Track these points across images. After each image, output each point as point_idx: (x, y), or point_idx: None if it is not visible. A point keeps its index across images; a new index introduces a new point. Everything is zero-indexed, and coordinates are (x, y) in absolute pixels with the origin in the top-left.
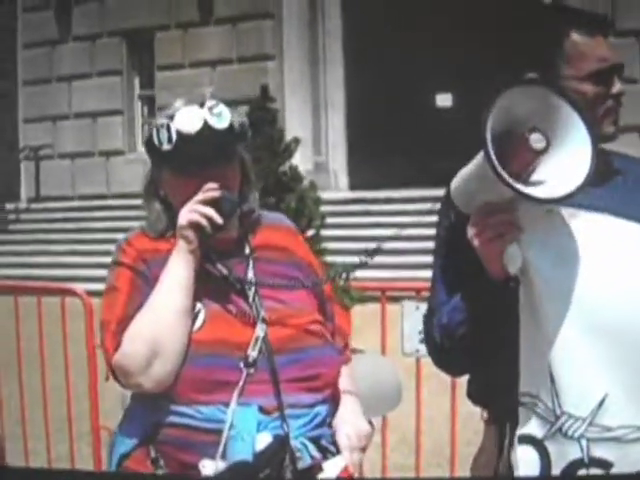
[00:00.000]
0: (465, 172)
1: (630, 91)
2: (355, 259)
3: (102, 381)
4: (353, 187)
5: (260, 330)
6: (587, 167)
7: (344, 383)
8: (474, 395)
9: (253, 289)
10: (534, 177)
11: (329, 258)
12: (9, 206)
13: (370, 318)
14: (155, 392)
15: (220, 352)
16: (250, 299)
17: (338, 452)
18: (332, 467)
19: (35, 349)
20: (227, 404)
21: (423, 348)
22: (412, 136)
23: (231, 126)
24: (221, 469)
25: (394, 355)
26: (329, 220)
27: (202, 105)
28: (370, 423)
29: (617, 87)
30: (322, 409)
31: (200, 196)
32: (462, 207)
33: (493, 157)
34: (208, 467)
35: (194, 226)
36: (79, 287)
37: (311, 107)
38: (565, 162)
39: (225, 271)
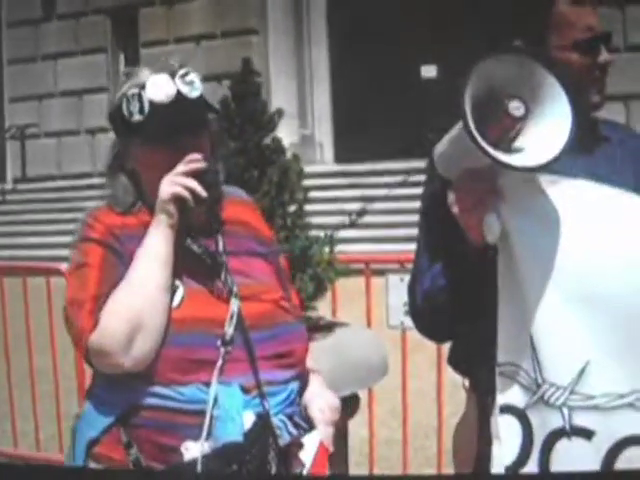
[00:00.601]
0: (447, 139)
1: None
2: (340, 233)
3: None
4: (339, 160)
5: (234, 306)
6: (566, 136)
7: (308, 359)
8: (455, 362)
9: (225, 264)
10: (514, 145)
11: (314, 232)
12: None
13: (355, 291)
14: (133, 372)
15: (199, 330)
16: (222, 275)
17: (310, 427)
18: (311, 442)
19: (22, 330)
20: (207, 384)
21: (408, 320)
22: (397, 108)
23: (202, 95)
24: (208, 451)
25: (379, 328)
26: (315, 194)
27: (174, 74)
28: (357, 396)
29: (604, 56)
30: (295, 385)
31: (182, 168)
32: (444, 173)
33: (471, 125)
34: (192, 449)
35: (176, 199)
36: (64, 266)
37: (296, 81)
38: (544, 130)
39: (196, 246)
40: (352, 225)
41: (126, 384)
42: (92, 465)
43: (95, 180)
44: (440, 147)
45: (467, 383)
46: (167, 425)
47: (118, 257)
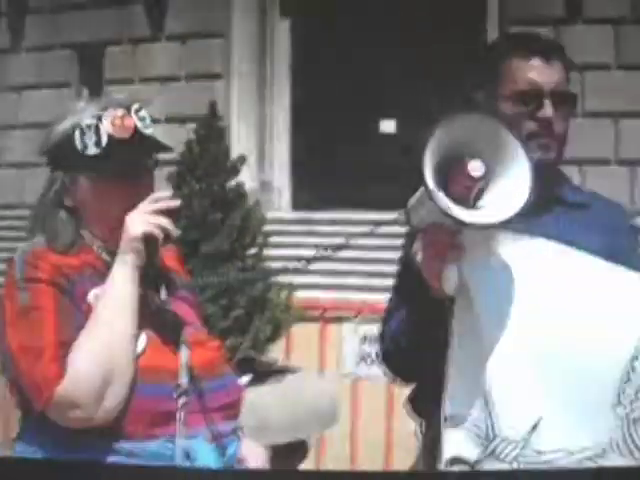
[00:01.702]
0: (417, 193)
1: None
2: (297, 279)
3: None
4: (297, 207)
5: (184, 355)
6: (525, 195)
7: None
8: (411, 403)
9: (169, 311)
10: (479, 203)
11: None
12: None
13: (310, 337)
14: (98, 427)
15: (161, 380)
16: (168, 322)
17: None
18: None
19: None
20: (172, 437)
21: (361, 369)
22: (355, 160)
23: (153, 132)
24: None
25: (332, 375)
26: (272, 239)
27: (129, 108)
28: (305, 442)
29: (545, 112)
30: (237, 436)
31: (152, 205)
32: (415, 224)
33: (430, 185)
34: None
35: (148, 238)
36: None
37: (258, 127)
38: (504, 188)
39: (142, 292)
40: (307, 267)
41: (83, 439)
42: None
43: None
44: (411, 201)
45: (421, 429)
46: None
47: (70, 299)
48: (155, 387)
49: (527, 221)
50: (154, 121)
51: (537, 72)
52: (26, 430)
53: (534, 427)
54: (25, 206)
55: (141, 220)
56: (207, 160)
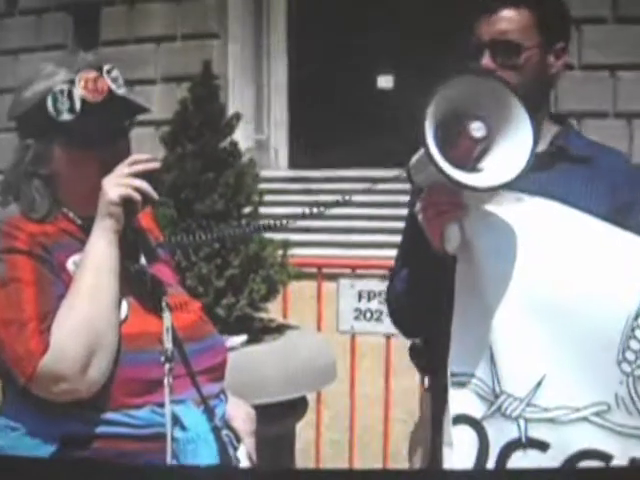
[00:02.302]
0: (418, 153)
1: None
2: (293, 237)
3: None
4: (293, 166)
5: (167, 319)
6: (527, 155)
7: None
8: (416, 357)
9: (148, 274)
10: (479, 165)
11: (267, 235)
12: None
13: (306, 295)
14: (85, 398)
15: (145, 347)
16: (148, 285)
17: (237, 439)
18: (243, 456)
19: None
20: (161, 404)
21: (358, 325)
22: (353, 117)
23: (126, 92)
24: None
25: (329, 332)
26: (269, 198)
27: (101, 69)
28: (304, 399)
29: (484, 61)
30: (224, 398)
31: (129, 168)
32: (417, 183)
33: (431, 149)
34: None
35: (126, 202)
36: None
37: (254, 86)
38: (506, 150)
39: (121, 257)
40: (302, 216)
41: (68, 410)
42: None
43: None
44: (413, 159)
45: (427, 382)
46: (123, 454)
47: (50, 269)
48: (140, 354)
49: (530, 178)
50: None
51: (481, 23)
52: (9, 403)
53: (539, 383)
54: None
55: (118, 183)
56: (201, 119)
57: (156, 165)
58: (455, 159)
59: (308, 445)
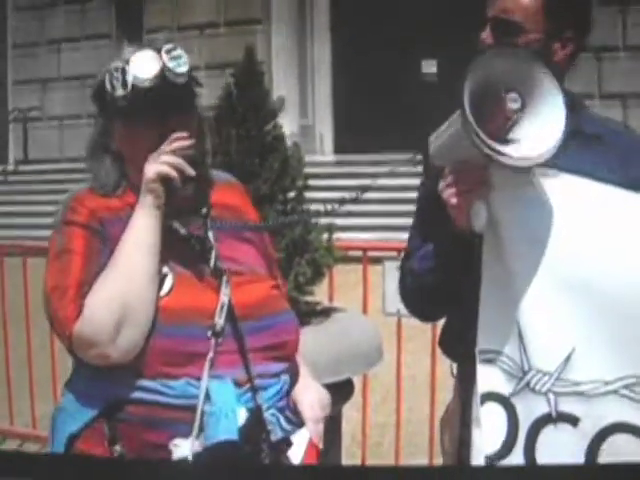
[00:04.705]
0: (443, 129)
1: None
2: (338, 221)
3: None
4: (338, 150)
5: (224, 296)
6: (560, 130)
7: (298, 351)
8: (444, 345)
9: (214, 250)
10: (508, 137)
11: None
12: None
13: (352, 278)
14: (119, 364)
15: (189, 321)
16: (211, 261)
17: (300, 422)
18: (300, 440)
19: (21, 309)
20: (198, 378)
21: (404, 308)
22: (397, 101)
23: (190, 71)
24: (199, 448)
25: (375, 315)
26: (314, 182)
27: (159, 49)
28: (351, 382)
29: (483, 36)
30: (287, 378)
31: (168, 146)
32: (438, 162)
33: (470, 119)
34: (182, 447)
35: (163, 178)
36: None
37: (298, 71)
38: (539, 124)
39: (184, 230)
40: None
41: (111, 376)
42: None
43: None
44: (435, 137)
45: (455, 368)
46: (154, 421)
47: (102, 242)
48: (183, 328)
49: (555, 155)
50: (194, 69)
51: (492, 2)
52: (73, 370)
53: (568, 358)
54: (65, 159)
55: (155, 161)
56: (245, 104)
57: (187, 143)
58: (489, 131)
59: (354, 427)
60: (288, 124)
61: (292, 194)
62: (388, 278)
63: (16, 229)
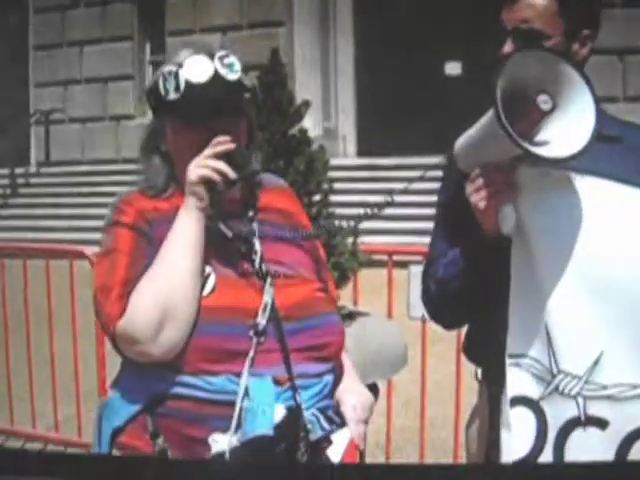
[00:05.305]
0: (469, 132)
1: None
2: (362, 224)
3: (109, 342)
4: (361, 153)
5: (268, 296)
6: (590, 130)
7: (342, 353)
8: (468, 351)
9: (259, 252)
10: (539, 138)
11: (337, 223)
12: (19, 170)
13: (377, 282)
14: (161, 361)
15: (231, 320)
16: (256, 262)
17: (342, 423)
18: (340, 440)
19: (43, 311)
20: (238, 375)
21: None
22: (421, 103)
23: (241, 78)
24: (236, 444)
25: (400, 319)
26: (337, 186)
27: (212, 55)
28: (375, 387)
29: (504, 49)
30: (329, 379)
31: (211, 149)
32: (463, 166)
33: (503, 118)
34: (220, 442)
35: (205, 182)
36: (88, 249)
37: (320, 73)
38: (569, 124)
39: (230, 233)
40: (373, 216)
41: (154, 372)
42: (117, 454)
43: (119, 166)
44: (461, 140)
45: (479, 373)
46: (195, 416)
47: (148, 242)
48: (223, 326)
49: (581, 157)
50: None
51: (504, 10)
52: (120, 369)
53: (596, 361)
54: (87, 161)
55: (198, 164)
56: (270, 107)
57: (231, 146)
58: (520, 132)
59: (379, 432)
60: (312, 127)
61: (317, 197)
62: (413, 282)
63: (38, 231)
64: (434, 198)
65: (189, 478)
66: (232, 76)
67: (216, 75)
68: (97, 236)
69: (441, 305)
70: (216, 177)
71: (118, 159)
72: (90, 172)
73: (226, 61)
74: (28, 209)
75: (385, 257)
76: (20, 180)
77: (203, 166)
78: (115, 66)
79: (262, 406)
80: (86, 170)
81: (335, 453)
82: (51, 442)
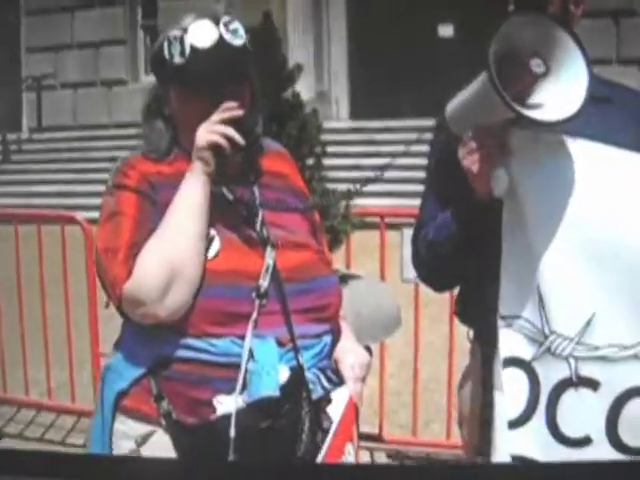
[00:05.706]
0: (462, 95)
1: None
2: (356, 187)
3: (101, 308)
4: (354, 116)
5: (269, 258)
6: (583, 94)
7: (340, 313)
8: (460, 312)
9: (260, 216)
10: (531, 101)
11: (330, 186)
12: (11, 136)
13: (370, 245)
14: (166, 323)
15: (234, 282)
16: (257, 226)
17: (340, 382)
18: (339, 398)
19: (35, 277)
20: (242, 337)
21: None
22: (413, 66)
23: (245, 44)
24: (242, 405)
25: (393, 281)
26: (330, 149)
27: (217, 20)
28: (368, 349)
29: (508, 8)
30: (328, 339)
31: (219, 115)
32: (455, 128)
33: (496, 79)
34: (225, 403)
35: (213, 147)
36: (79, 215)
37: (313, 37)
38: (563, 88)
39: (231, 196)
40: (368, 181)
41: (158, 335)
42: (120, 417)
43: (111, 131)
44: (453, 103)
45: (471, 334)
46: (199, 378)
47: (153, 205)
48: (227, 288)
49: (574, 120)
50: None
51: None
52: (122, 331)
53: (588, 322)
54: (79, 127)
55: (207, 130)
56: (263, 70)
57: (240, 112)
58: (511, 95)
59: (372, 394)
60: (305, 90)
61: (311, 161)
62: (406, 245)
63: (30, 197)
64: (426, 161)
65: (189, 478)
66: (237, 41)
67: (221, 40)
68: (89, 201)
69: (432, 268)
70: (225, 143)
71: (110, 124)
72: (82, 137)
73: (231, 27)
74: (20, 175)
75: (377, 219)
76: (12, 146)
77: (212, 132)
78: (107, 31)
79: (267, 367)
80: (78, 135)
81: (335, 411)
82: (44, 409)
